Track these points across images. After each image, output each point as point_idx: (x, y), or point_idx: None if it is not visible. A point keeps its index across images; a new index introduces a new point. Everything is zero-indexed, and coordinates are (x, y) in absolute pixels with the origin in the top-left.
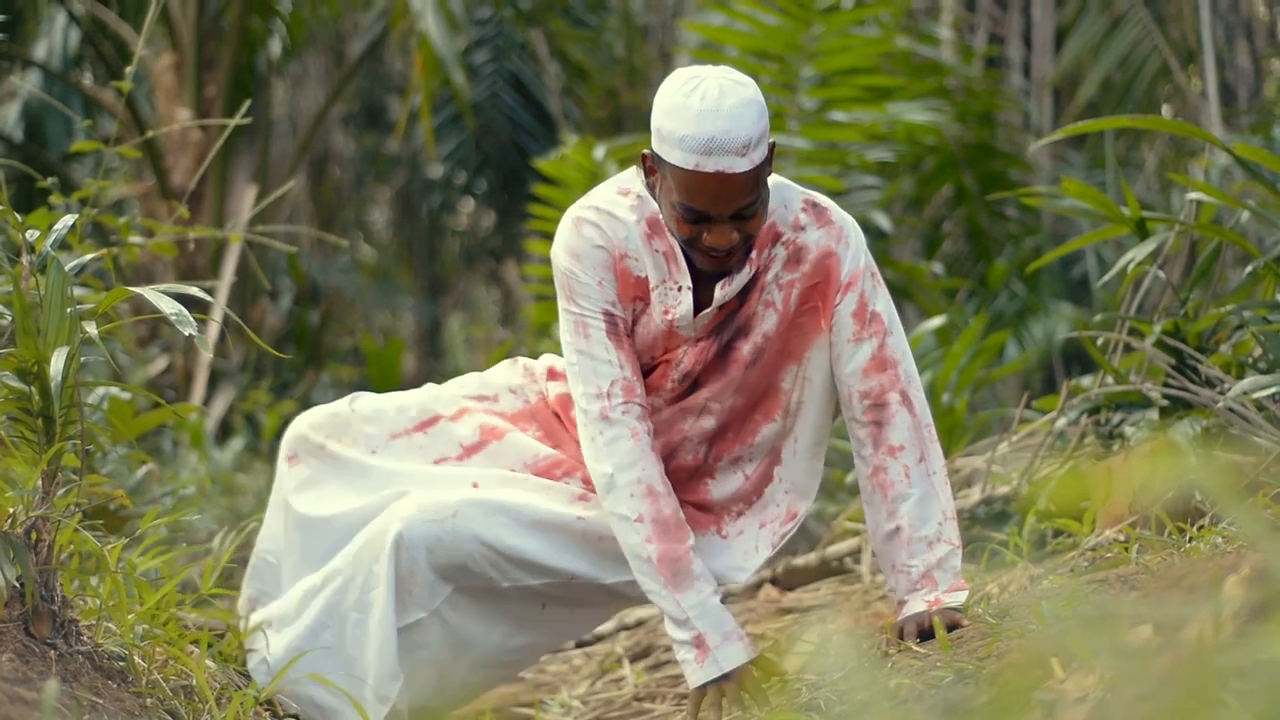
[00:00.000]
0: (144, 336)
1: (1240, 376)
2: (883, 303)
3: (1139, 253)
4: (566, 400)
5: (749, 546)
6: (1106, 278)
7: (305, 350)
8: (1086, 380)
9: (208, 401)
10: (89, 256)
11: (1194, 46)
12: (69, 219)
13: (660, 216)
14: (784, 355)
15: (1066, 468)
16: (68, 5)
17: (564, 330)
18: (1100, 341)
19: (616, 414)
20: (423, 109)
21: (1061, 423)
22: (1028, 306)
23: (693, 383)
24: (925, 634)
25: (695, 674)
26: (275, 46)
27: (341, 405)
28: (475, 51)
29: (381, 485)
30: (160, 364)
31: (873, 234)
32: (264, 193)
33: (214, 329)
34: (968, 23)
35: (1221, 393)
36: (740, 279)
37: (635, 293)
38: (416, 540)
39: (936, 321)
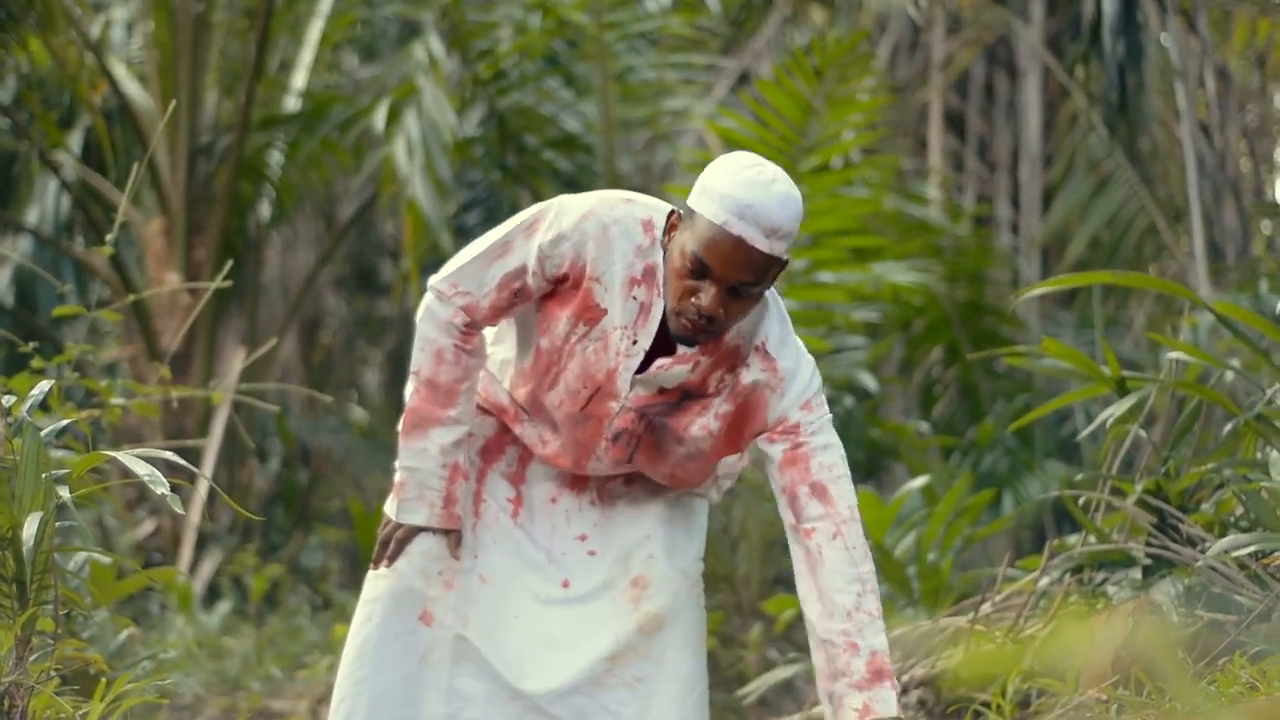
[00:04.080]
0: (132, 499)
1: (1222, 535)
2: (814, 415)
3: (1117, 410)
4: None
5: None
6: (1085, 433)
7: (294, 512)
8: (1074, 539)
9: (195, 564)
10: (65, 421)
11: (1181, 205)
12: (45, 384)
13: (656, 268)
14: (718, 456)
15: (1050, 628)
16: (59, 172)
17: (487, 235)
18: (1082, 500)
19: (453, 303)
20: (411, 272)
21: (1044, 582)
22: (1021, 464)
23: (627, 455)
24: None
25: (388, 506)
26: (265, 210)
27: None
28: (466, 214)
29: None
30: (148, 526)
31: (858, 394)
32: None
33: (201, 491)
34: (956, 183)
35: (1203, 551)
36: (679, 371)
37: (587, 315)
38: None
39: (920, 481)
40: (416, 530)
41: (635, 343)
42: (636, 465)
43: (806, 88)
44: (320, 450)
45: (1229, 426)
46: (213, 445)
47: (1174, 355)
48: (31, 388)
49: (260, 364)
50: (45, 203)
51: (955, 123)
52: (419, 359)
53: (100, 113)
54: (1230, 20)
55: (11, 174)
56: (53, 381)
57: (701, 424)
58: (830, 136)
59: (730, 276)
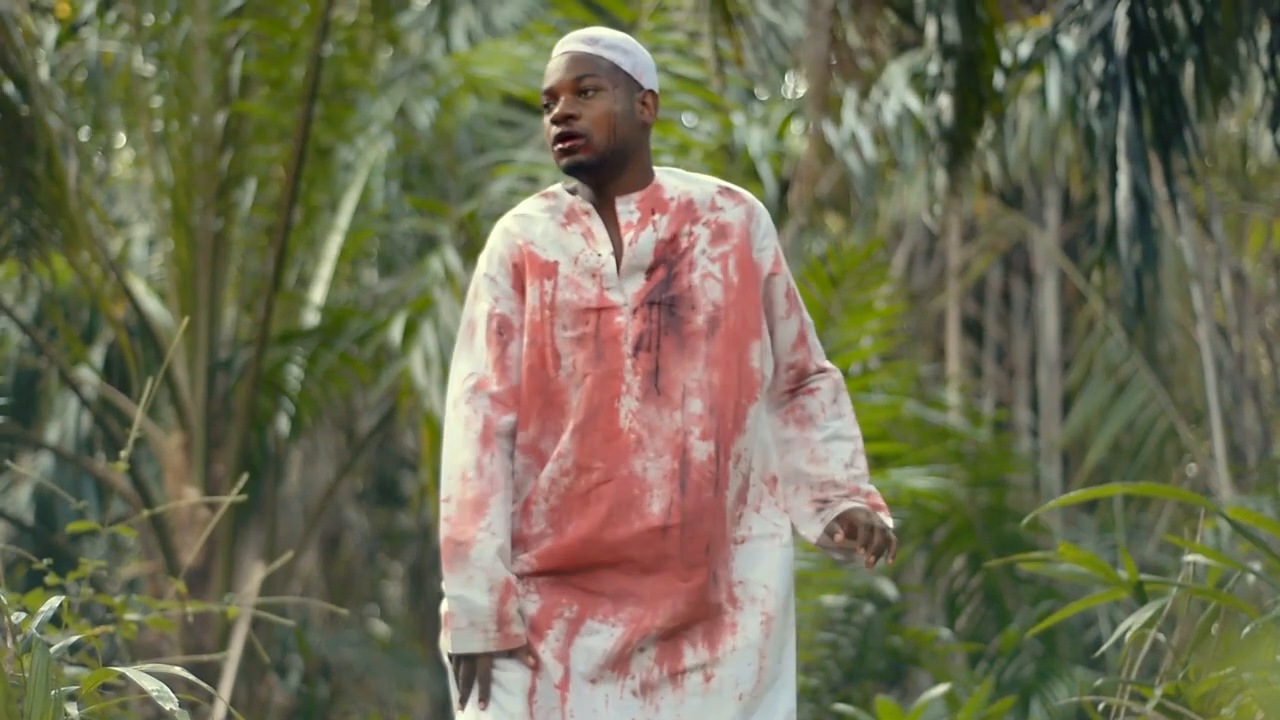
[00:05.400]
0: (152, 718)
1: None
2: (793, 280)
3: (1137, 619)
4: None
5: (770, 530)
6: (1108, 644)
7: None
8: None
9: None
10: (75, 637)
11: (1201, 408)
12: (55, 600)
13: (574, 205)
14: (745, 330)
15: None
16: (79, 389)
17: (459, 333)
18: (1102, 706)
19: (463, 402)
20: (429, 484)
21: None
22: (1048, 670)
23: (654, 367)
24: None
25: (443, 641)
26: (285, 424)
27: None
28: None
29: None
30: None
31: (879, 602)
32: (272, 571)
33: (219, 710)
34: (975, 389)
35: None
36: (646, 237)
37: (544, 274)
38: None
39: (941, 689)
40: (490, 662)
41: (600, 255)
42: (666, 381)
43: (824, 295)
44: (341, 665)
45: (1248, 629)
46: (232, 661)
47: (1189, 558)
48: (43, 604)
49: (281, 578)
50: (66, 420)
51: (973, 329)
52: (446, 486)
53: (123, 329)
54: (1245, 224)
55: (33, 392)
56: (62, 598)
57: (701, 273)
58: (848, 343)
59: (567, 80)
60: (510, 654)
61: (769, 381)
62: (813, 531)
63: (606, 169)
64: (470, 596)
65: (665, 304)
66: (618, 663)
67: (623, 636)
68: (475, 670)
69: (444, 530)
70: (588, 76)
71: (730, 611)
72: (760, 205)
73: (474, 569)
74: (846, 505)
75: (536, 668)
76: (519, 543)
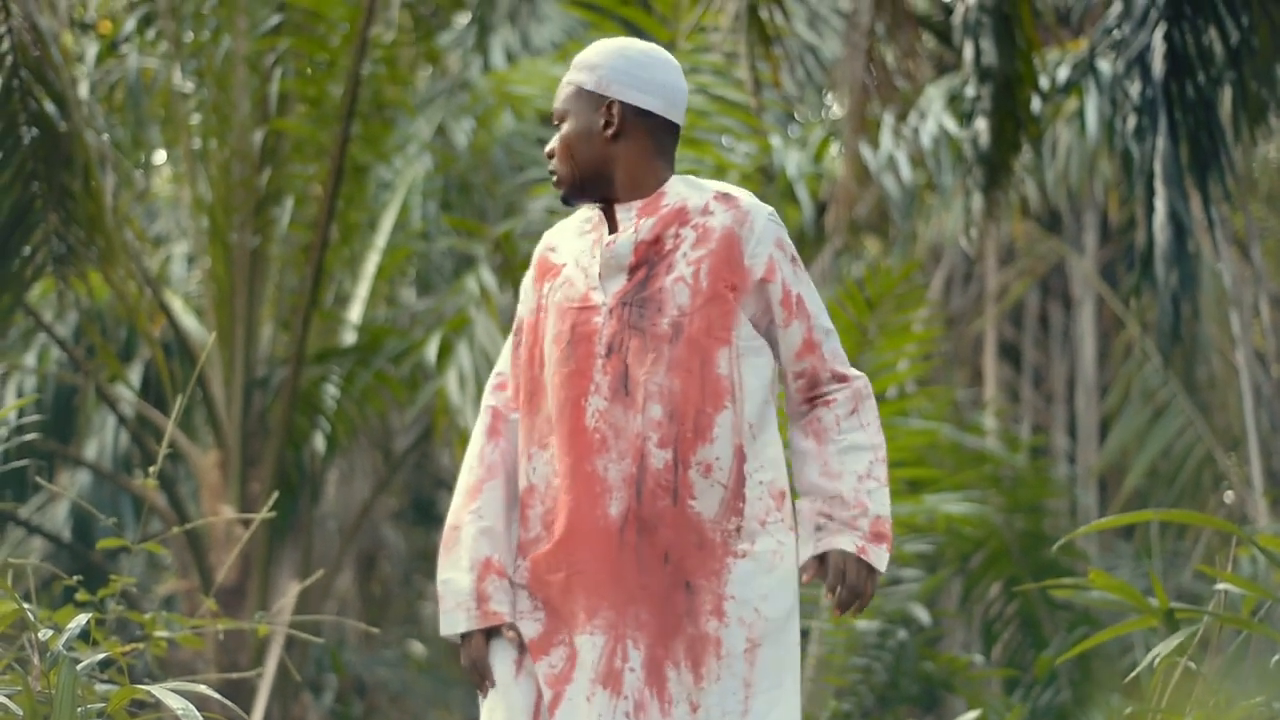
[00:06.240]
0: None
1: None
2: (804, 286)
3: (1165, 647)
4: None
5: (772, 547)
6: (1139, 668)
7: None
8: None
9: None
10: (101, 655)
11: (1239, 434)
12: (82, 617)
13: (596, 215)
14: (710, 337)
15: None
16: (116, 407)
17: None
18: None
19: (484, 400)
20: None
21: None
22: (1084, 697)
23: (624, 368)
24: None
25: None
26: (320, 442)
27: None
28: None
29: None
30: None
31: (912, 629)
32: (308, 590)
33: None
34: (1012, 413)
35: None
36: (626, 239)
37: (548, 275)
38: None
39: (973, 715)
40: (483, 643)
41: (593, 256)
42: (631, 383)
43: (860, 318)
44: (376, 684)
45: (1276, 658)
46: (266, 679)
47: (1220, 586)
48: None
49: (316, 597)
50: (104, 437)
51: (1010, 353)
52: (459, 480)
53: (160, 346)
54: None
55: (70, 408)
56: (89, 615)
57: (674, 277)
58: (885, 366)
59: (552, 115)
60: (516, 667)
61: (750, 391)
62: (803, 553)
63: (587, 190)
64: (456, 578)
65: (636, 305)
66: (608, 677)
67: (606, 645)
68: (472, 653)
69: (448, 520)
70: (557, 111)
71: (716, 625)
72: (762, 211)
73: (460, 550)
74: (841, 542)
75: (543, 689)
76: (520, 551)
